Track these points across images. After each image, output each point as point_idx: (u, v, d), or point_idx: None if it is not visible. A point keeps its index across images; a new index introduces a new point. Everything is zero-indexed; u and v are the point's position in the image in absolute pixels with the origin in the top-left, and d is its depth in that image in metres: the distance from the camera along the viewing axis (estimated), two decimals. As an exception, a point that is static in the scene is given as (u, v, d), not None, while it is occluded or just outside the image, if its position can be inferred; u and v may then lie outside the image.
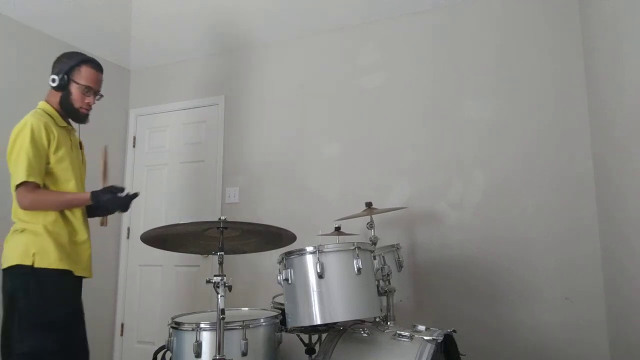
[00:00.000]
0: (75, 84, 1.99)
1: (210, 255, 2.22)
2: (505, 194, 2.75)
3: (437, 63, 3.02)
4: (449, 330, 1.83)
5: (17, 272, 1.82)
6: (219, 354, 1.51)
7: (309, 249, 1.77)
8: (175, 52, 3.84)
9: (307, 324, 1.75)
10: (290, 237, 1.81)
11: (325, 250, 1.76)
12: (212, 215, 3.49)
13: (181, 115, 3.81)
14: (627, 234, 2.14)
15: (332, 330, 1.95)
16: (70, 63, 1.99)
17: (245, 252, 2.09)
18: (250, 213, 3.37)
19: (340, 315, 1.72)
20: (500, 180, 2.77)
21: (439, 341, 1.72)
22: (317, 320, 1.71)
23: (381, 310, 1.91)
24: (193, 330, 1.67)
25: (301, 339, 2.29)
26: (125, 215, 3.83)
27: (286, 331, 1.92)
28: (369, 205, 2.43)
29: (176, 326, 1.75)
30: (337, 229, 2.51)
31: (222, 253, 1.63)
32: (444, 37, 3.03)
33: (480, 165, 2.83)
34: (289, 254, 1.83)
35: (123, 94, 4.00)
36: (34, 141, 1.85)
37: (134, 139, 3.95)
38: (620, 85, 2.14)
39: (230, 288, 1.58)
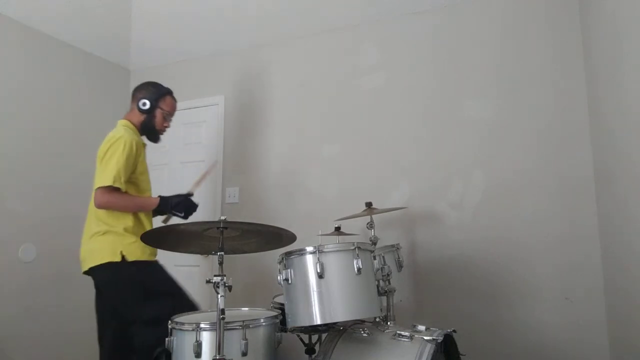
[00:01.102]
0: (161, 110, 2.38)
1: (210, 255, 2.26)
2: (505, 194, 2.75)
3: (437, 63, 3.03)
4: (449, 330, 1.83)
5: (111, 267, 2.12)
6: (219, 354, 1.50)
7: (309, 249, 1.77)
8: (175, 52, 3.85)
9: (307, 324, 1.74)
10: (290, 237, 1.81)
11: (325, 250, 1.76)
12: (212, 215, 3.49)
13: (181, 115, 3.80)
14: (627, 234, 2.14)
15: (332, 330, 1.94)
16: (159, 92, 2.38)
17: (245, 252, 2.09)
18: (250, 213, 3.37)
19: (340, 315, 1.72)
20: (500, 180, 2.77)
21: (439, 341, 1.71)
22: (317, 320, 1.71)
23: (381, 310, 1.91)
24: (193, 330, 1.67)
25: (301, 339, 2.29)
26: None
27: (286, 331, 1.92)
28: (369, 205, 2.43)
29: (176, 326, 1.75)
30: (337, 229, 2.51)
31: (222, 253, 1.63)
32: (444, 37, 3.03)
33: (480, 165, 2.83)
34: (289, 254, 1.83)
35: (123, 94, 4.00)
36: (125, 152, 2.15)
37: (134, 139, 3.95)
38: (620, 85, 2.14)
39: (230, 288, 1.58)
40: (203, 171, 2.53)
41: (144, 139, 2.42)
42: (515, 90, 2.81)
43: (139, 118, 2.35)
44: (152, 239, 1.69)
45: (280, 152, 3.39)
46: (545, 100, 2.74)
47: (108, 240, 2.16)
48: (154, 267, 2.27)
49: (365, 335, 1.83)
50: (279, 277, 1.84)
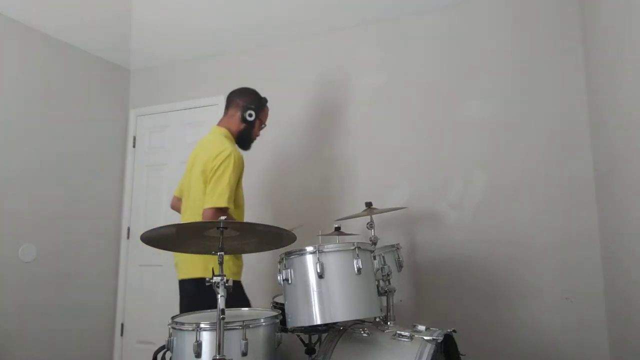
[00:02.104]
0: (260, 120, 2.40)
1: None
2: (505, 194, 2.75)
3: (437, 63, 3.03)
4: (449, 330, 1.83)
5: (200, 282, 2.09)
6: (219, 354, 1.50)
7: (309, 249, 1.77)
8: (175, 52, 3.85)
9: (307, 324, 1.74)
10: (290, 237, 1.80)
11: (325, 250, 1.75)
12: (212, 215, 3.49)
13: (181, 115, 3.81)
14: (627, 235, 2.14)
15: (332, 330, 1.94)
16: (260, 103, 2.39)
17: (245, 252, 2.09)
18: (251, 213, 3.37)
19: (340, 315, 1.71)
20: (500, 180, 2.77)
21: (439, 341, 1.71)
22: (317, 320, 1.70)
23: (381, 310, 1.91)
24: (193, 330, 1.67)
25: (301, 339, 2.29)
26: (125, 215, 3.84)
27: (286, 331, 1.92)
28: (369, 205, 2.43)
29: (176, 326, 1.75)
30: (337, 229, 2.51)
31: (222, 253, 1.63)
32: (444, 37, 3.03)
33: (480, 166, 2.83)
34: (289, 254, 1.82)
35: (123, 94, 4.00)
36: (236, 171, 2.14)
37: (134, 139, 3.95)
38: (621, 86, 2.14)
39: (230, 288, 1.58)
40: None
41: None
42: (515, 90, 2.81)
43: (239, 127, 2.33)
44: (152, 238, 1.69)
45: (280, 152, 3.38)
46: (545, 100, 2.74)
47: (202, 256, 2.14)
48: (235, 287, 2.30)
49: (365, 335, 1.82)
50: (279, 277, 1.84)
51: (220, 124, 2.36)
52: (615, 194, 2.29)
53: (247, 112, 2.30)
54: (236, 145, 2.32)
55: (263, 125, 2.44)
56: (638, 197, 2.00)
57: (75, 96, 3.54)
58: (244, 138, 2.37)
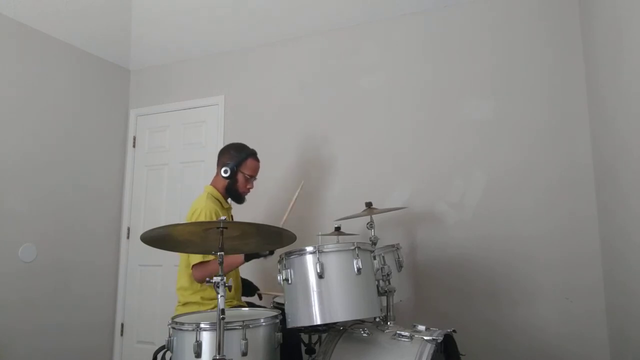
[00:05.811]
0: (242, 173, 2.41)
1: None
2: (505, 192, 2.75)
3: (437, 63, 3.02)
4: (449, 330, 1.83)
5: None
6: (219, 354, 1.50)
7: (309, 249, 1.77)
8: (175, 52, 3.84)
9: (307, 324, 1.74)
10: (290, 237, 1.81)
11: (325, 250, 1.76)
12: (212, 215, 3.48)
13: (181, 116, 3.81)
14: (627, 229, 2.15)
15: (332, 330, 1.94)
16: (239, 156, 2.40)
17: (245, 252, 2.09)
18: (251, 213, 3.37)
19: (340, 315, 1.72)
20: (500, 179, 2.77)
21: (439, 341, 1.71)
22: (317, 320, 1.71)
23: (381, 310, 1.91)
24: (193, 330, 1.67)
25: (301, 339, 2.29)
26: (125, 215, 3.84)
27: (287, 332, 1.92)
28: (369, 205, 2.43)
29: (176, 326, 1.75)
30: (337, 229, 2.51)
31: (222, 253, 1.63)
32: (444, 36, 3.03)
33: (480, 165, 2.83)
34: (289, 254, 1.83)
35: (123, 94, 4.00)
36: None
37: (134, 139, 3.95)
38: (621, 81, 2.14)
39: (230, 288, 1.58)
40: (291, 202, 2.40)
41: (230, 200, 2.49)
42: (515, 89, 2.81)
43: (223, 183, 2.41)
44: (152, 238, 1.69)
45: (279, 152, 3.38)
46: (545, 98, 2.74)
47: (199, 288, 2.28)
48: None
49: (365, 335, 1.82)
50: (279, 277, 1.84)
51: (210, 182, 2.47)
52: (615, 191, 2.29)
53: (222, 169, 2.38)
54: (224, 200, 2.41)
55: (251, 179, 2.45)
56: (637, 196, 2.00)
57: (75, 96, 3.54)
58: (231, 193, 2.44)
